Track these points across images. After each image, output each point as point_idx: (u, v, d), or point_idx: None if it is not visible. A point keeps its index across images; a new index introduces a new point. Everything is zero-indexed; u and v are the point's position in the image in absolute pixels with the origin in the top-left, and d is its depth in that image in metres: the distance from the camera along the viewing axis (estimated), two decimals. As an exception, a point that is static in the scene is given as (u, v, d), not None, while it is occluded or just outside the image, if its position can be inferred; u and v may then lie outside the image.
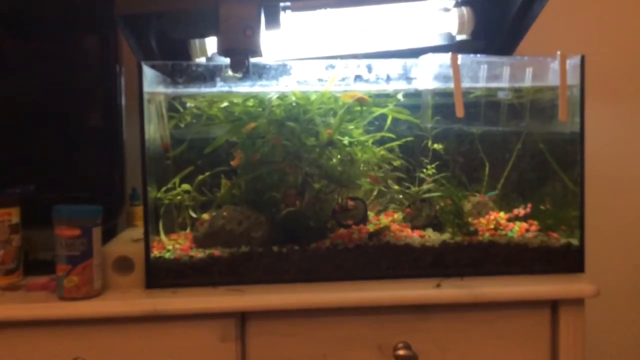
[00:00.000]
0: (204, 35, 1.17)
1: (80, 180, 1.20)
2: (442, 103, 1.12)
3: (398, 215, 1.19)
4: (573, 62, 1.08)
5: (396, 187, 1.20)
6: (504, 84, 1.10)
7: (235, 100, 1.11)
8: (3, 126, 1.20)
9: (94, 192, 1.18)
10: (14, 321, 0.96)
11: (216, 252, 1.05)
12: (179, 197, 1.14)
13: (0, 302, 0.98)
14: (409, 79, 1.09)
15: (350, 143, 1.12)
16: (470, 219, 1.13)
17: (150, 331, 0.98)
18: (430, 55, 1.09)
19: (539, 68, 1.10)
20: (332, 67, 1.08)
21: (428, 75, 1.09)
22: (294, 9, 1.12)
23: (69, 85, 1.21)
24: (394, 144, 1.17)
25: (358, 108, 1.12)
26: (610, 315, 1.55)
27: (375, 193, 1.21)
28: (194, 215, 1.15)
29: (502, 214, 1.18)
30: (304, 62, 1.08)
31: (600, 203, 1.49)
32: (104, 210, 1.01)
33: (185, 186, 1.14)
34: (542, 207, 1.17)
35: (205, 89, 1.08)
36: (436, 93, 1.12)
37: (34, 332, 0.96)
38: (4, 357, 0.97)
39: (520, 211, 1.17)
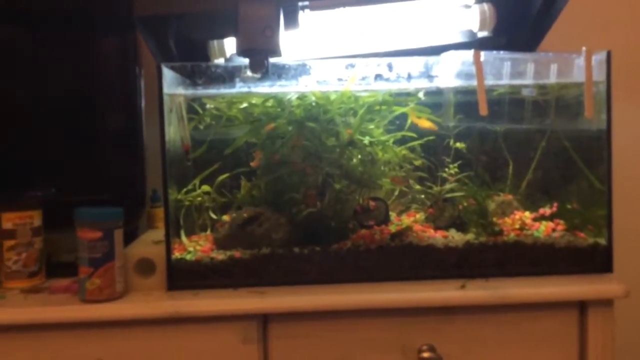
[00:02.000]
0: (222, 36, 1.17)
1: (101, 182, 1.21)
2: (465, 101, 1.10)
3: (420, 216, 1.17)
4: (599, 57, 1.06)
5: (418, 187, 1.19)
6: (528, 80, 1.08)
7: (254, 101, 1.10)
8: (24, 129, 1.20)
9: (114, 194, 1.18)
10: (37, 324, 0.96)
11: (237, 253, 1.04)
12: (199, 199, 1.13)
13: (23, 304, 0.98)
14: (430, 77, 1.08)
15: (371, 143, 1.11)
16: (494, 219, 1.11)
17: (172, 333, 0.98)
18: (452, 52, 1.08)
19: (564, 64, 1.08)
20: (352, 66, 1.07)
21: (450, 72, 1.08)
22: (312, 8, 1.12)
23: (88, 88, 1.21)
24: (415, 143, 1.15)
25: (378, 107, 1.11)
26: None
27: (396, 193, 1.19)
28: (214, 216, 1.14)
29: (527, 213, 1.16)
30: (324, 61, 1.07)
31: (628, 201, 1.46)
32: (125, 212, 1.01)
33: (206, 187, 1.14)
34: (568, 206, 1.14)
35: (224, 90, 1.07)
36: (458, 91, 1.11)
37: (56, 335, 0.97)
38: (26, 359, 0.97)
39: (546, 210, 1.15)
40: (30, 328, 0.96)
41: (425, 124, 1.10)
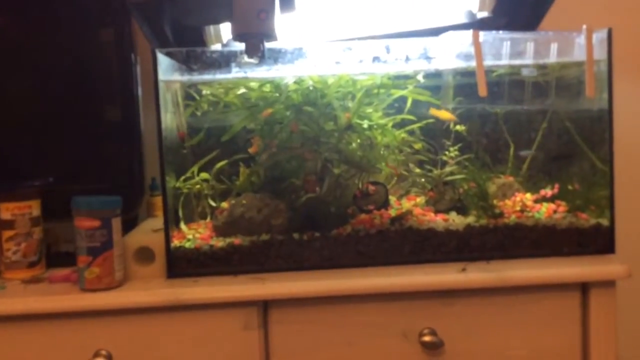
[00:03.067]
0: (218, 21, 1.15)
1: (100, 171, 1.20)
2: (464, 83, 1.09)
3: (420, 199, 1.17)
4: (600, 35, 1.04)
5: (418, 170, 1.18)
6: (528, 60, 1.07)
7: (251, 85, 1.09)
8: (21, 120, 1.20)
9: (113, 183, 1.18)
10: (37, 314, 0.96)
11: (236, 240, 1.04)
12: (197, 186, 1.13)
13: (23, 294, 0.98)
14: (429, 59, 1.06)
15: (370, 126, 1.10)
16: (495, 201, 1.10)
17: (173, 321, 0.97)
18: (450, 33, 1.06)
19: (564, 43, 1.07)
20: (350, 49, 1.05)
21: (449, 54, 1.06)
22: (309, -10, 1.10)
23: (85, 76, 1.20)
24: (415, 126, 1.14)
25: (377, 90, 1.09)
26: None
27: (396, 177, 1.18)
28: (213, 204, 1.14)
29: (528, 195, 1.15)
30: (321, 45, 1.06)
31: (631, 181, 1.45)
32: (124, 201, 1.01)
33: (204, 175, 1.13)
34: (570, 187, 1.13)
35: (220, 76, 1.06)
36: (457, 72, 1.09)
37: (57, 324, 0.97)
38: (27, 349, 0.97)
39: (548, 192, 1.14)
40: (31, 318, 0.96)
41: (445, 115, 1.09)
